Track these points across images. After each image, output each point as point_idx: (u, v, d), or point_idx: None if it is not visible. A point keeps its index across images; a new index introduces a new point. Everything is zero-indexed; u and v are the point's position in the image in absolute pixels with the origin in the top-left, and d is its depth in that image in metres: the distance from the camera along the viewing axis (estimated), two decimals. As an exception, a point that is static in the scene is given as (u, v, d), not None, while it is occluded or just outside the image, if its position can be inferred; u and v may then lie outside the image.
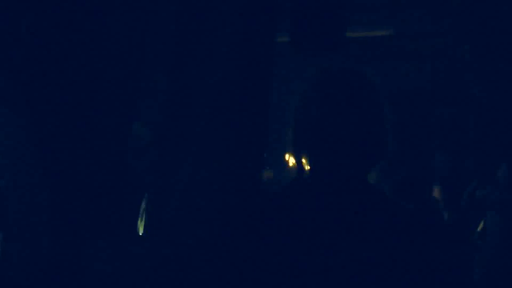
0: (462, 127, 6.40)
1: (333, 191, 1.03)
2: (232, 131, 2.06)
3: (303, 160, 1.08)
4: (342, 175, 1.04)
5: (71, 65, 1.98)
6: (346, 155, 1.03)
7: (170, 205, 1.97)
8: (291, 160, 5.09)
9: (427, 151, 6.60)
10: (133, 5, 2.15)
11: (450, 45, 5.38)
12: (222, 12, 2.08)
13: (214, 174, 1.98)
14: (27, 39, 1.97)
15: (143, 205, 2.40)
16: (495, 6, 4.84)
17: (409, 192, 3.55)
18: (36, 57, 2.00)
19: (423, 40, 5.37)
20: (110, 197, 2.01)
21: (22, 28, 1.99)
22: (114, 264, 1.97)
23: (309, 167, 1.07)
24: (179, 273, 1.88)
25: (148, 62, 2.65)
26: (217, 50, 2.07)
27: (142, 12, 2.21)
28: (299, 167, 1.09)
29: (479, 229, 4.22)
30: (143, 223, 2.37)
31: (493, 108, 5.58)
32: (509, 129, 5.22)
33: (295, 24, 2.80)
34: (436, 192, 4.52)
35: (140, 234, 2.37)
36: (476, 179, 4.66)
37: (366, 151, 1.05)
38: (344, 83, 1.07)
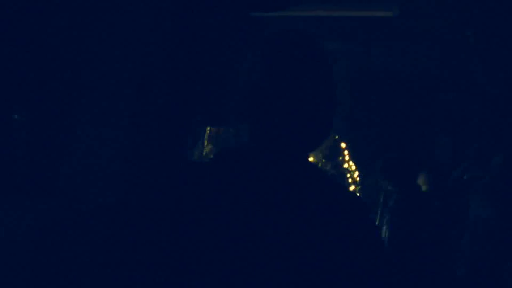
0: (464, 112, 6.33)
1: (263, 164, 0.99)
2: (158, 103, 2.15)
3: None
4: (277, 149, 0.99)
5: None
6: (284, 129, 0.98)
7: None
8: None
9: (427, 135, 6.56)
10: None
11: (455, 28, 5.28)
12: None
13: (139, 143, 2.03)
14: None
15: None
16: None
17: (394, 174, 3.55)
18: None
19: (427, 21, 5.27)
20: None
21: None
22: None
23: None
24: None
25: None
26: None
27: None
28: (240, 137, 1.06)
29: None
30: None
31: (495, 95, 5.51)
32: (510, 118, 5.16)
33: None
34: (421, 179, 4.56)
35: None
36: (466, 162, 4.63)
37: (307, 126, 0.99)
38: (292, 51, 1.01)
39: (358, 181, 6.05)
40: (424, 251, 3.32)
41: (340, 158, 6.44)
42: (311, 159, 5.43)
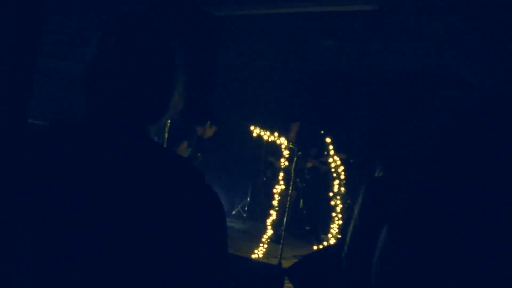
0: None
1: (94, 138, 1.03)
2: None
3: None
4: (108, 124, 1.04)
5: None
6: (115, 103, 1.04)
7: None
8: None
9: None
10: None
11: (436, 22, 5.30)
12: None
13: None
14: None
15: None
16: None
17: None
18: None
19: (406, 16, 5.30)
20: None
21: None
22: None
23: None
24: None
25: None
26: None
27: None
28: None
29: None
30: None
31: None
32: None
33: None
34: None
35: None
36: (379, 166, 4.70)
37: (139, 102, 1.04)
38: (132, 30, 1.06)
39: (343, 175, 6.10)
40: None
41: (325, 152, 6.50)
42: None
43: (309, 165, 6.77)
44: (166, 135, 3.79)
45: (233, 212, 8.28)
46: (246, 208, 8.26)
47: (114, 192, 0.98)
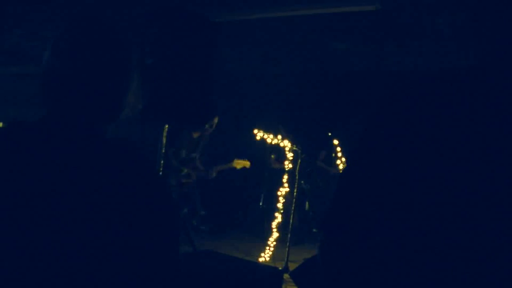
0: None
1: (50, 138, 1.07)
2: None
3: None
4: (64, 123, 1.08)
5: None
6: (69, 104, 1.08)
7: None
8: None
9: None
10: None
11: (439, 20, 5.25)
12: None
13: None
14: None
15: None
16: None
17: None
18: None
19: (410, 15, 5.25)
20: None
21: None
22: None
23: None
24: None
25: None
26: None
27: None
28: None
29: None
30: None
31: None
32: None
33: None
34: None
35: None
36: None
37: (91, 103, 1.09)
38: (85, 34, 1.10)
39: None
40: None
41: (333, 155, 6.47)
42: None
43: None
44: (164, 140, 3.83)
45: (246, 216, 8.27)
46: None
47: (68, 187, 1.01)
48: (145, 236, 1.05)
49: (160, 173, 5.15)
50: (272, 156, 6.75)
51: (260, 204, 8.13)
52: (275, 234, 5.40)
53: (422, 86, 0.98)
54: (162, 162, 3.85)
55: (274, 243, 5.39)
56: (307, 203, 6.80)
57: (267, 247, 5.36)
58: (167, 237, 1.10)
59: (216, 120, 5.00)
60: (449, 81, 0.94)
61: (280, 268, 4.66)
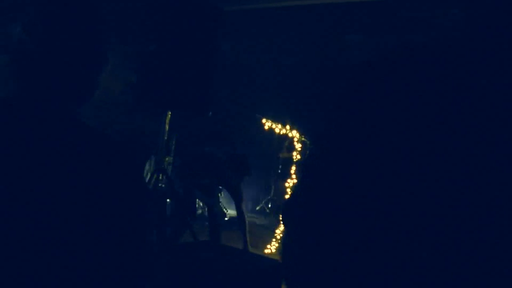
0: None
1: (20, 118, 1.04)
2: None
3: None
4: (34, 104, 1.05)
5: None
6: (40, 84, 1.05)
7: None
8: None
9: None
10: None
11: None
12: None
13: None
14: None
15: None
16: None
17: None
18: None
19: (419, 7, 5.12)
20: None
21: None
22: None
23: None
24: None
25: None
26: None
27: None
28: None
29: None
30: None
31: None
32: None
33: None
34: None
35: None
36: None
37: (62, 82, 1.06)
38: (56, 14, 1.07)
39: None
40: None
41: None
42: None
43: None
44: (167, 127, 3.79)
45: (257, 208, 8.26)
46: (269, 205, 8.21)
47: (34, 164, 0.99)
48: (106, 218, 1.03)
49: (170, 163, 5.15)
50: (286, 143, 6.69)
51: (270, 196, 8.09)
52: (282, 226, 5.35)
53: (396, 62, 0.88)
54: (163, 149, 3.81)
55: (281, 235, 5.33)
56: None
57: (274, 239, 5.31)
58: (131, 222, 1.08)
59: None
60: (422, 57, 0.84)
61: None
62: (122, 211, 1.05)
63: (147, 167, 5.76)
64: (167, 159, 6.02)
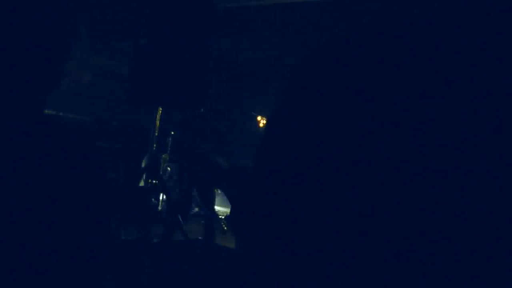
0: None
1: None
2: None
3: None
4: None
5: None
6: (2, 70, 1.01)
7: None
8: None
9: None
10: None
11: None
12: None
13: None
14: None
15: None
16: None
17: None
18: None
19: None
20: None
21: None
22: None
23: None
24: None
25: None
26: None
27: None
28: None
29: None
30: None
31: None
32: None
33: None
34: None
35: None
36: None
37: (25, 69, 1.02)
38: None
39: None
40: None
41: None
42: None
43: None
44: (158, 122, 3.73)
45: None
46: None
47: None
48: (67, 211, 0.98)
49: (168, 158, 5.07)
50: None
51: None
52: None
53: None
54: (154, 145, 3.76)
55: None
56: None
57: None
58: (93, 214, 1.03)
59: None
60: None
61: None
62: (78, 205, 1.01)
63: (143, 163, 5.71)
64: (163, 156, 6.00)
